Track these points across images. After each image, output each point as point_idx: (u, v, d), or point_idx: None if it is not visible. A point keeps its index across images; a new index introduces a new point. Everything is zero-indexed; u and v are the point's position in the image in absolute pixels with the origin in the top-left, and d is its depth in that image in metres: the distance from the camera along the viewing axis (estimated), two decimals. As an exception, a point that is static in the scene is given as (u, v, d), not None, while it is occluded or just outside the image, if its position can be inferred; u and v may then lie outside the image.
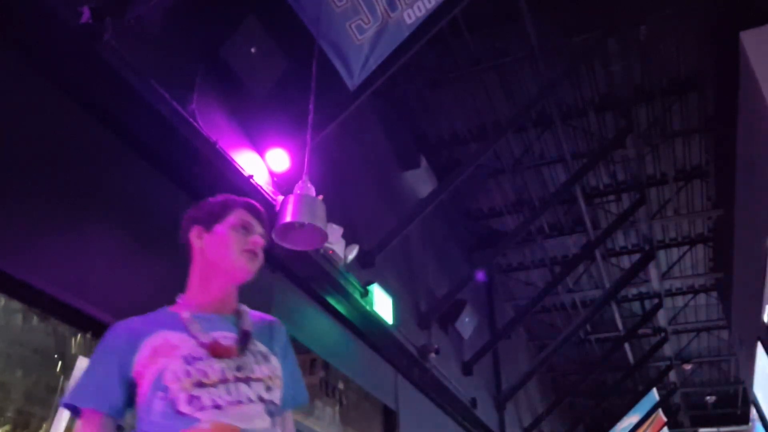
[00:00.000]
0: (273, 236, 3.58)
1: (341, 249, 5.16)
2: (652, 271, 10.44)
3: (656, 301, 11.42)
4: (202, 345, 1.51)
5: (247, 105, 4.49)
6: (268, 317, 1.73)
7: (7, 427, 2.66)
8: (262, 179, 4.37)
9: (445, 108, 7.91)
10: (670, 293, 11.79)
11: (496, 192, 9.25)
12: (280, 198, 4.03)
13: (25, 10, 2.89)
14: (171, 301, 1.66)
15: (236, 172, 4.08)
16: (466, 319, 8.12)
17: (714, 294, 11.81)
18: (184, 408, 1.44)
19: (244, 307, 1.68)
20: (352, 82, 4.31)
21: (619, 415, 13.37)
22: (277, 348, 1.66)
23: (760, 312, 7.76)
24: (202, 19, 4.25)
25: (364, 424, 6.18)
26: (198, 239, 1.68)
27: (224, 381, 1.48)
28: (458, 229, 9.81)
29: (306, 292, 5.12)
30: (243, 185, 4.12)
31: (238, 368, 1.51)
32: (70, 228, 3.09)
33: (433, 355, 6.75)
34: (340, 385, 5.85)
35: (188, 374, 1.46)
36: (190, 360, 1.48)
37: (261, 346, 1.60)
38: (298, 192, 3.53)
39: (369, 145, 7.06)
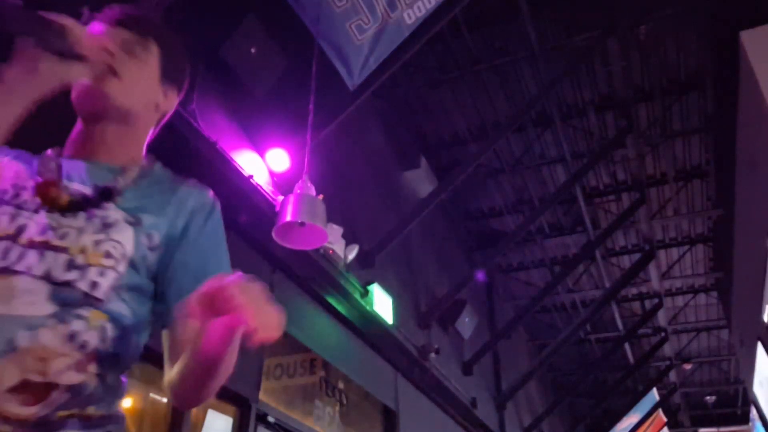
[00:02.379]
0: (273, 236, 3.58)
1: (341, 249, 5.16)
2: (652, 271, 10.43)
3: (656, 301, 11.41)
4: (33, 184, 1.07)
5: (247, 105, 4.49)
6: (198, 186, 1.26)
7: (7, 427, 2.65)
8: (262, 179, 4.37)
9: (445, 108, 7.91)
10: (670, 293, 11.78)
11: (496, 192, 9.25)
12: (280, 198, 4.03)
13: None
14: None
15: (236, 172, 4.08)
16: (466, 319, 8.12)
17: (714, 294, 11.81)
18: None
19: (154, 165, 1.29)
20: (352, 82, 4.31)
21: (619, 415, 13.36)
22: (155, 218, 1.11)
23: (760, 312, 7.77)
24: (202, 19, 4.25)
25: (364, 424, 6.18)
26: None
27: (11, 238, 1.00)
28: (458, 229, 9.81)
29: (306, 292, 5.12)
30: (243, 185, 4.12)
31: (49, 228, 1.02)
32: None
33: (433, 355, 6.75)
34: (340, 385, 5.85)
35: None
36: (7, 200, 1.06)
37: (115, 212, 1.07)
38: (298, 192, 3.53)
39: (369, 145, 7.06)
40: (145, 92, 1.23)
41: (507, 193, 9.29)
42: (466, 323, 8.14)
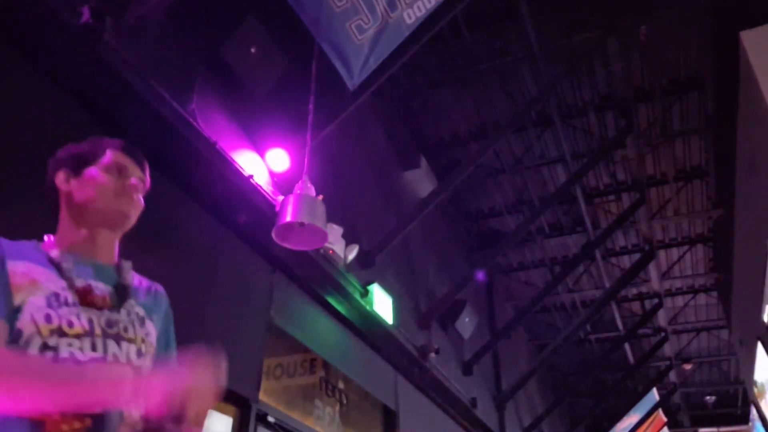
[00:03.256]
0: (273, 236, 3.58)
1: (341, 249, 5.16)
2: (652, 271, 10.44)
3: (656, 301, 11.41)
4: (72, 288, 1.30)
5: (247, 105, 4.49)
6: (154, 284, 1.56)
7: None
8: (262, 179, 4.37)
9: (445, 108, 7.90)
10: (670, 293, 11.79)
11: (496, 192, 9.24)
12: (280, 198, 4.03)
13: (25, 10, 2.89)
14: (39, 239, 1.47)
15: (236, 172, 4.08)
16: (466, 319, 8.11)
17: (714, 294, 11.80)
18: None
19: (128, 264, 1.50)
20: (352, 82, 4.31)
21: (619, 415, 13.36)
22: (156, 317, 1.46)
23: (760, 312, 7.76)
24: (202, 19, 4.25)
25: (364, 424, 6.18)
26: (65, 183, 1.46)
27: (90, 334, 1.26)
28: (458, 229, 9.81)
29: (306, 292, 5.12)
30: (243, 185, 4.12)
31: (109, 323, 1.30)
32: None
33: (433, 355, 6.75)
34: (340, 385, 5.85)
35: (49, 319, 1.24)
36: (53, 302, 1.26)
37: (138, 308, 1.40)
38: (298, 192, 3.53)
39: (369, 145, 7.06)
40: (137, 215, 1.55)
41: (507, 193, 9.29)
42: (466, 323, 8.14)
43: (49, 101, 3.12)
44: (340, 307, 5.41)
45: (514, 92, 7.58)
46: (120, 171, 1.46)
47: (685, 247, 10.49)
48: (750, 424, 14.61)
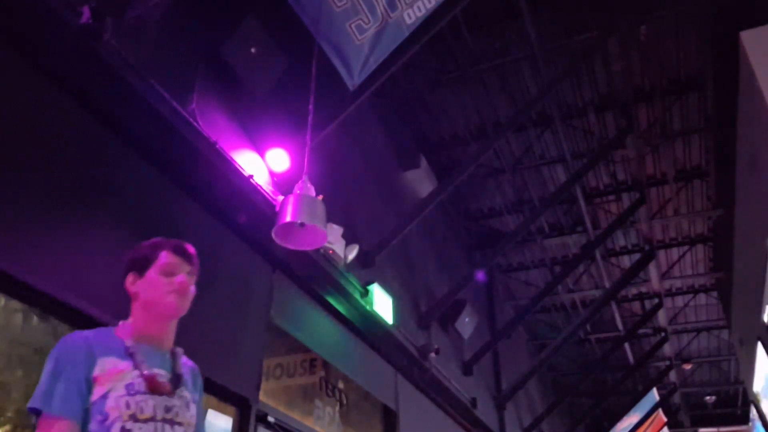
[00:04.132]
0: (273, 236, 3.58)
1: (341, 249, 5.16)
2: (652, 271, 10.44)
3: (656, 301, 11.41)
4: (143, 377, 1.62)
5: (247, 105, 4.49)
6: (191, 363, 1.88)
7: (7, 427, 2.66)
8: (262, 179, 4.37)
9: (445, 108, 7.90)
10: (670, 293, 11.78)
11: (496, 192, 9.24)
12: (280, 198, 4.03)
13: (25, 10, 2.89)
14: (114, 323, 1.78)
15: (236, 172, 4.08)
16: (466, 319, 8.12)
17: (714, 294, 11.80)
18: None
19: (180, 350, 1.83)
20: (352, 82, 4.31)
21: (619, 415, 13.37)
22: (197, 396, 1.80)
23: (760, 312, 7.76)
24: (202, 19, 4.25)
25: (364, 424, 6.18)
26: (132, 285, 1.81)
27: (154, 419, 1.58)
28: (458, 229, 9.81)
29: (306, 292, 5.12)
30: (243, 185, 4.12)
31: (167, 409, 1.62)
32: (70, 228, 3.09)
33: (433, 355, 6.75)
34: (340, 385, 5.85)
35: (128, 405, 1.55)
36: (132, 391, 1.58)
37: (186, 393, 1.73)
38: (298, 192, 3.53)
39: (369, 145, 7.06)
40: (191, 299, 1.86)
41: (507, 193, 9.29)
42: (466, 323, 8.14)
43: (49, 101, 3.12)
44: (340, 307, 5.41)
45: (514, 92, 7.58)
46: (171, 271, 1.79)
47: (685, 247, 10.49)
48: (750, 424, 14.62)
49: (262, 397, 4.31)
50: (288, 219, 3.45)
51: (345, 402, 5.89)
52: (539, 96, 6.95)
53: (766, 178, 6.17)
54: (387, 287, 6.08)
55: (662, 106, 7.83)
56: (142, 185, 3.61)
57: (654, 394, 13.55)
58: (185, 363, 1.83)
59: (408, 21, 4.10)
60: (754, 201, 6.97)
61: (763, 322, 7.81)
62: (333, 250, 5.06)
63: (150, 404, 1.58)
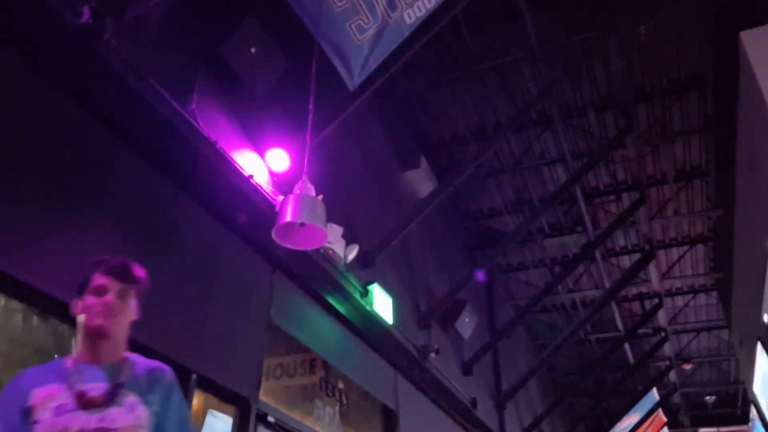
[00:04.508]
0: (273, 236, 3.58)
1: (341, 249, 5.16)
2: (652, 271, 10.43)
3: (656, 301, 11.41)
4: (72, 395, 1.70)
5: (247, 105, 4.49)
6: (156, 365, 1.91)
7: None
8: (262, 179, 4.37)
9: (445, 108, 7.90)
10: (670, 293, 11.78)
11: (496, 192, 9.24)
12: (280, 198, 4.02)
13: (25, 10, 2.89)
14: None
15: (236, 172, 4.08)
16: (466, 319, 8.11)
17: (714, 294, 11.80)
18: None
19: (132, 358, 1.88)
20: (352, 82, 4.31)
21: (619, 415, 13.36)
22: (153, 397, 1.82)
23: (760, 312, 7.76)
24: (202, 19, 4.25)
25: (364, 424, 6.18)
26: (75, 309, 1.88)
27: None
28: (458, 229, 9.81)
29: (306, 292, 5.12)
30: (243, 185, 4.12)
31: (101, 419, 1.68)
32: (70, 228, 3.09)
33: (433, 355, 6.75)
34: (340, 385, 5.85)
35: (53, 426, 1.63)
36: (61, 411, 1.66)
37: (132, 397, 1.76)
38: (298, 192, 3.53)
39: (369, 145, 7.06)
40: (127, 319, 1.89)
41: (507, 193, 9.29)
42: (466, 323, 8.14)
43: (49, 101, 3.12)
44: (340, 307, 5.41)
45: (514, 92, 7.58)
46: (101, 292, 1.84)
47: (685, 247, 10.49)
48: (750, 424, 14.62)
49: (262, 396, 4.31)
50: (288, 219, 3.45)
51: (345, 402, 5.89)
52: (539, 96, 6.95)
53: (766, 178, 6.17)
54: (387, 287, 6.08)
55: (662, 106, 7.83)
56: (142, 185, 3.61)
57: (654, 394, 13.55)
58: (145, 366, 1.88)
59: (408, 21, 4.10)
60: (754, 201, 6.96)
61: (763, 322, 7.81)
62: (333, 250, 5.06)
63: (79, 420, 1.66)
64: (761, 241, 6.77)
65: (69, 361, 1.80)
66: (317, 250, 4.77)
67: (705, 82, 7.44)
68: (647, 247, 9.88)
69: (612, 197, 9.43)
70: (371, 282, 5.74)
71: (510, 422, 9.85)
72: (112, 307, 1.83)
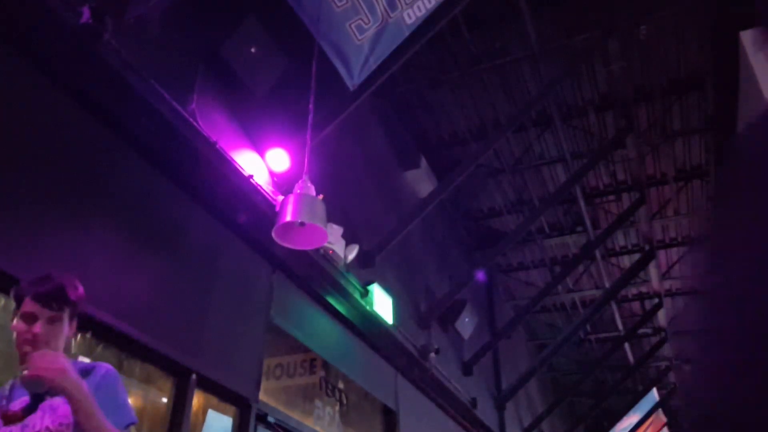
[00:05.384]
0: (273, 236, 3.58)
1: (341, 249, 5.16)
2: (652, 271, 10.43)
3: (656, 301, 11.41)
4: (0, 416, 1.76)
5: (247, 105, 4.49)
6: (92, 365, 1.92)
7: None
8: (262, 179, 4.37)
9: (445, 108, 7.91)
10: (670, 293, 11.78)
11: (496, 192, 9.24)
12: (280, 198, 4.02)
13: (25, 10, 2.89)
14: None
15: (236, 172, 4.08)
16: (466, 319, 8.11)
17: (714, 294, 11.77)
18: None
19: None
20: (352, 82, 4.31)
21: (619, 415, 13.36)
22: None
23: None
24: (202, 19, 4.25)
25: (364, 424, 6.18)
26: (12, 315, 1.89)
27: None
28: (458, 229, 9.81)
29: (306, 292, 5.12)
30: (243, 185, 4.12)
31: (23, 428, 1.74)
32: (70, 228, 3.09)
33: (433, 355, 6.75)
34: (340, 385, 5.85)
35: None
36: None
37: (55, 400, 1.78)
38: (298, 192, 3.53)
39: (369, 145, 7.06)
40: (60, 342, 1.87)
41: (507, 193, 9.29)
42: (466, 323, 8.14)
43: (49, 101, 3.12)
44: (340, 307, 5.41)
45: (514, 92, 7.58)
46: (28, 319, 1.83)
47: (685, 247, 10.48)
48: (750, 424, 14.59)
49: (262, 396, 4.31)
50: (288, 219, 3.45)
51: (345, 402, 5.88)
52: (539, 96, 6.95)
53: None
54: (387, 287, 6.08)
55: (662, 106, 7.83)
56: (142, 185, 3.61)
57: (654, 394, 13.55)
58: (79, 368, 1.86)
59: (408, 21, 4.10)
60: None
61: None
62: (333, 250, 5.06)
63: None
64: (761, 241, 6.76)
65: (15, 381, 1.86)
66: (317, 250, 4.77)
67: (705, 82, 7.44)
68: (647, 247, 9.88)
69: (612, 197, 9.44)
70: (371, 282, 5.75)
71: (510, 422, 9.85)
72: (39, 337, 1.82)
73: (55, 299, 1.88)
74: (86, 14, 3.01)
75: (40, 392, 1.77)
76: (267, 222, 3.83)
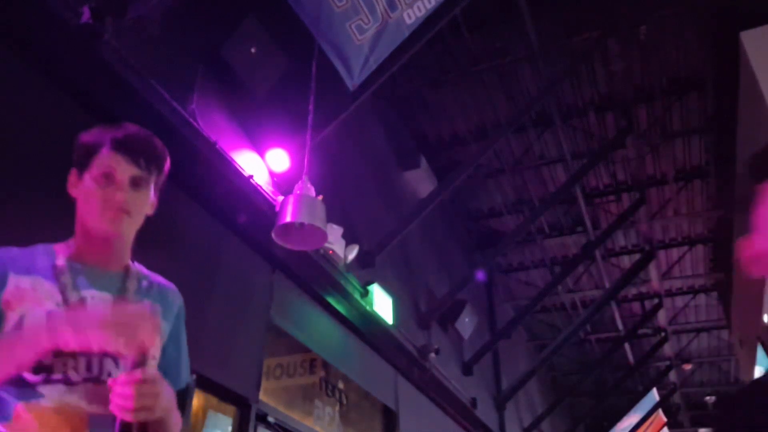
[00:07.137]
0: (273, 236, 3.58)
1: (341, 249, 5.16)
2: (652, 271, 10.43)
3: (656, 301, 11.41)
4: (66, 303, 1.29)
5: (247, 105, 4.49)
6: (166, 283, 1.55)
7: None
8: (262, 179, 4.37)
9: (445, 108, 7.90)
10: (670, 293, 11.78)
11: (496, 192, 9.24)
12: (280, 198, 4.03)
13: (25, 10, 2.89)
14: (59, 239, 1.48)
15: (236, 172, 4.08)
16: (466, 319, 8.11)
17: (714, 294, 11.80)
18: (29, 376, 1.20)
19: (137, 268, 1.50)
20: (352, 82, 4.31)
21: (619, 415, 13.37)
22: (165, 320, 1.44)
23: (760, 313, 7.76)
24: (202, 19, 4.25)
25: (364, 424, 6.18)
26: (73, 188, 1.46)
27: (86, 352, 1.22)
28: (458, 229, 9.81)
29: (306, 292, 5.12)
30: (243, 185, 4.12)
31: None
32: (70, 228, 3.08)
33: (433, 355, 6.75)
34: (340, 385, 5.85)
35: (37, 333, 1.20)
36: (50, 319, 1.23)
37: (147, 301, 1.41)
38: (298, 192, 3.53)
39: (369, 145, 7.06)
40: (144, 213, 1.48)
41: (507, 193, 9.29)
42: (466, 323, 8.13)
43: (49, 101, 3.12)
44: (340, 307, 5.41)
45: (514, 92, 7.58)
46: (108, 178, 1.38)
47: (685, 247, 10.49)
48: (750, 424, 14.59)
49: (262, 396, 4.31)
50: (288, 219, 3.46)
51: (345, 402, 5.88)
52: (539, 96, 6.95)
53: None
54: (387, 287, 6.08)
55: (662, 106, 7.83)
56: (142, 185, 3.61)
57: (654, 394, 13.55)
58: (156, 281, 1.53)
59: (408, 21, 4.10)
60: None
61: (763, 322, 7.81)
62: (333, 250, 5.06)
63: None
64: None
65: (61, 252, 1.42)
66: (317, 250, 4.77)
67: (705, 82, 7.44)
68: (647, 247, 9.88)
69: (612, 197, 9.43)
70: (371, 282, 5.74)
71: (510, 422, 9.84)
72: (123, 206, 1.36)
73: (145, 150, 1.44)
74: (86, 14, 3.01)
75: (125, 296, 1.40)
76: (267, 222, 3.83)
